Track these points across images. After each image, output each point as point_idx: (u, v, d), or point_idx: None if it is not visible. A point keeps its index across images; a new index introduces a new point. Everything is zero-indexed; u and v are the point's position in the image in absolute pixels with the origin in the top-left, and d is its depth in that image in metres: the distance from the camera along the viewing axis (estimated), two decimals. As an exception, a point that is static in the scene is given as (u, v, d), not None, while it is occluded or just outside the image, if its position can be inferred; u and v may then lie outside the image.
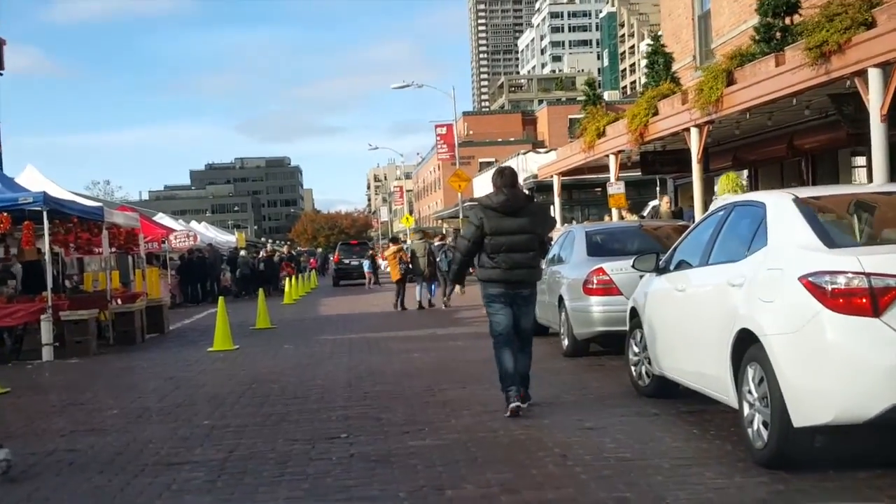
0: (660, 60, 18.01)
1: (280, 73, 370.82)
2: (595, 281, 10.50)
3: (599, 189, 46.11)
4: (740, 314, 5.50)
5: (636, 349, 8.16)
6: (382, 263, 40.94)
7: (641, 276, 9.75)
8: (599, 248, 11.35)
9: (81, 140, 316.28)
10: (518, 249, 7.46)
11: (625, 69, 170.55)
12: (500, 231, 7.41)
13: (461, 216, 43.82)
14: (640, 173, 22.25)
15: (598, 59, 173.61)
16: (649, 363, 7.80)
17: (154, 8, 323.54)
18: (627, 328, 8.46)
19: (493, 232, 7.41)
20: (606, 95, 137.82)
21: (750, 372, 5.41)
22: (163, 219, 36.73)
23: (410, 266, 22.66)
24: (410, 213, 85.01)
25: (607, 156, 19.29)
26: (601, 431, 6.70)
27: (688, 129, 14.69)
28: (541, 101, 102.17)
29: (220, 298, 15.19)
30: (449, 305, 21.86)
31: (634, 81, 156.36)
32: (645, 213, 21.27)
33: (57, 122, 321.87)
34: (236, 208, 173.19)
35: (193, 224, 43.14)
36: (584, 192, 45.46)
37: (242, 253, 40.57)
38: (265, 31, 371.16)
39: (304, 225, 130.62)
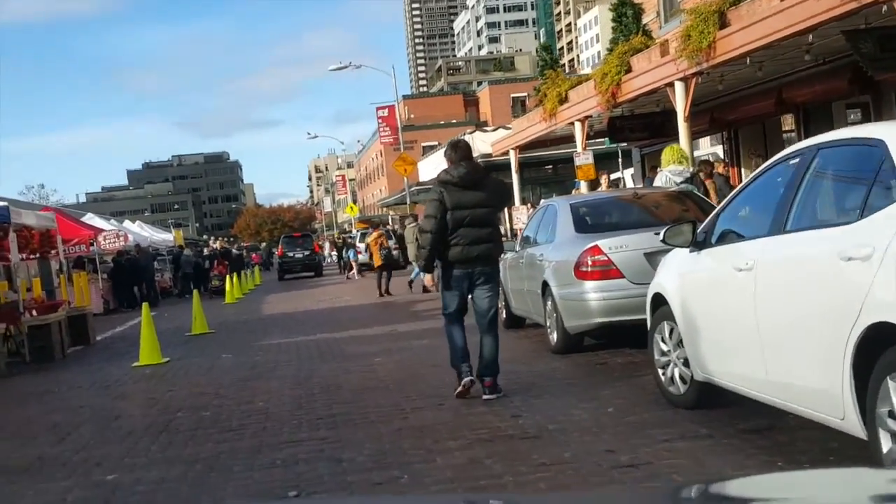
0: (628, 12, 16.32)
1: (216, 68, 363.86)
2: (590, 262, 8.71)
3: (550, 167, 44.81)
4: (871, 301, 3.72)
5: (664, 347, 6.39)
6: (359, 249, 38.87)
7: (649, 254, 8.02)
8: (589, 222, 9.57)
9: (13, 145, 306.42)
10: (478, 224, 7.22)
11: (562, 47, 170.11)
12: (460, 205, 7.14)
13: (408, 201, 41.86)
14: (599, 145, 20.70)
15: (536, 38, 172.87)
16: (685, 365, 6.05)
17: (84, 7, 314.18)
18: (648, 320, 6.69)
19: (454, 206, 7.14)
20: (568, 56, 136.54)
21: (892, 386, 3.65)
22: (92, 219, 34.18)
23: (393, 252, 21.39)
24: (354, 202, 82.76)
25: (571, 124, 17.56)
26: (646, 469, 4.90)
27: (671, 84, 13.00)
28: (480, 83, 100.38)
29: (144, 305, 13.10)
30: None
31: (573, 59, 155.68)
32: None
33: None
34: (176, 207, 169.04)
35: (127, 223, 40.58)
36: (535, 170, 43.82)
37: (186, 251, 38.84)
38: (197, 27, 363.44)
39: (247, 220, 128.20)
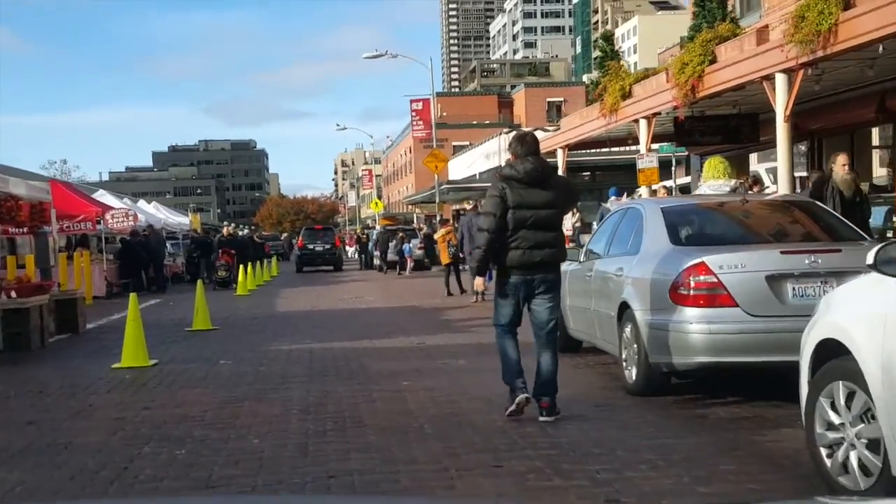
0: (713, -3, 14.28)
1: (249, 57, 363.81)
2: (692, 283, 6.71)
3: (588, 174, 42.69)
4: None
5: (834, 418, 4.42)
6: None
7: (772, 278, 6.06)
8: (687, 233, 7.59)
9: (42, 120, 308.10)
10: (542, 226, 6.60)
11: (597, 57, 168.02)
12: (523, 204, 6.54)
13: (437, 200, 39.92)
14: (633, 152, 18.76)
15: (573, 45, 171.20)
16: (872, 450, 4.07)
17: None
18: (805, 375, 4.71)
19: (516, 204, 6.54)
20: (585, 78, 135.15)
21: None
22: (103, 196, 32.51)
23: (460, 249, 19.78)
24: (379, 197, 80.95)
25: (635, 121, 15.54)
26: None
27: (769, 78, 10.97)
28: (514, 87, 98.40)
29: (132, 297, 11.15)
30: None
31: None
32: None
33: (17, 101, 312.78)
34: (199, 191, 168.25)
35: (142, 203, 38.94)
36: (571, 175, 41.62)
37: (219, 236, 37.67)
38: (234, 15, 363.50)
39: (269, 209, 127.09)
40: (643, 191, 15.70)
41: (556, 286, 6.81)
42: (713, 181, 10.00)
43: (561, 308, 9.96)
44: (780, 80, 10.69)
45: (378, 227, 50.04)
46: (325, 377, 9.27)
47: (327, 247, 40.04)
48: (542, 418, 6.56)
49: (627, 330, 7.56)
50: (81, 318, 16.05)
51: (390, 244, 35.74)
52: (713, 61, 12.44)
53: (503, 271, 6.70)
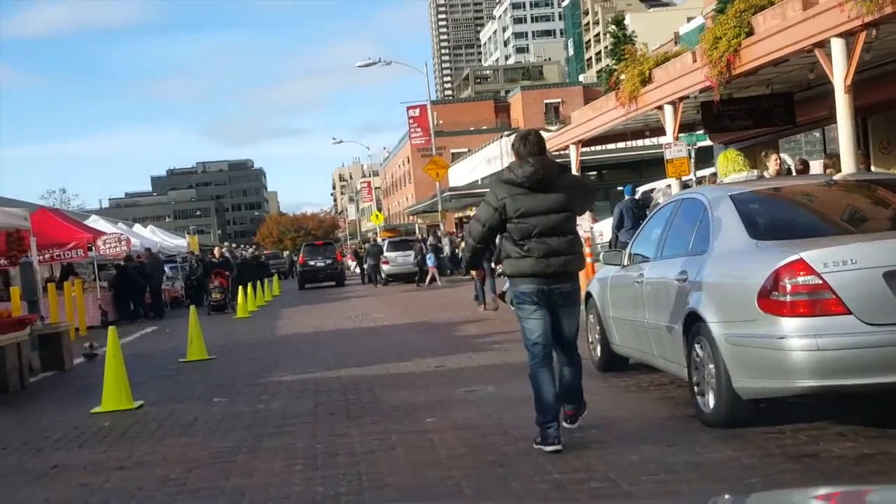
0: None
1: (242, 76, 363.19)
2: (789, 286, 5.33)
3: (595, 173, 41.32)
4: None
5: None
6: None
7: (892, 275, 4.72)
8: (770, 224, 6.23)
9: (41, 150, 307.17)
10: (554, 233, 5.98)
11: (590, 58, 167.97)
12: (529, 212, 5.94)
13: (440, 208, 38.62)
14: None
15: (565, 48, 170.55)
16: None
17: (112, 16, 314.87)
18: None
19: (520, 214, 5.94)
20: (582, 78, 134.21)
21: None
22: (96, 222, 31.27)
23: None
24: (379, 210, 79.64)
25: (659, 108, 14.21)
26: None
27: (821, 45, 9.63)
28: (508, 91, 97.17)
29: (111, 330, 9.75)
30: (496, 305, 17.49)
31: (601, 70, 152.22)
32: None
33: (12, 132, 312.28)
34: (199, 213, 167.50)
35: (138, 228, 37.79)
36: (582, 174, 40.22)
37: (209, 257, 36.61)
38: (224, 36, 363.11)
39: (270, 227, 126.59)
40: (672, 183, 14.35)
41: (574, 297, 6.23)
42: (735, 175, 8.82)
43: (602, 321, 8.68)
44: (837, 45, 9.34)
45: (380, 239, 48.78)
46: (334, 415, 7.91)
47: (329, 262, 39.09)
48: (566, 425, 6.23)
49: (699, 348, 6.20)
50: (67, 353, 14.73)
51: (403, 255, 34.53)
52: (750, 33, 11.10)
53: (515, 280, 6.13)
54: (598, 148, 40.47)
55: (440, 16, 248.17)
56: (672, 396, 7.32)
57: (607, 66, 15.38)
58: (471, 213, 24.96)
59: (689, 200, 7.10)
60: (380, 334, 15.63)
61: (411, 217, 70.64)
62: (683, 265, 6.55)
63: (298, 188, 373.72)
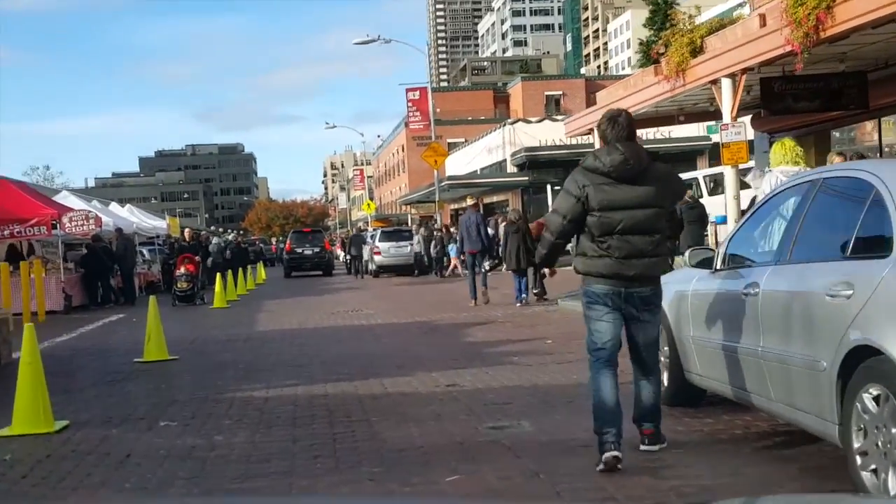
0: None
1: (238, 61, 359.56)
2: None
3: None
4: None
5: None
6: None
7: None
8: None
9: (28, 127, 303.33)
10: (639, 230, 5.34)
11: (588, 54, 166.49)
12: (613, 205, 5.29)
13: (437, 198, 36.43)
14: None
15: (563, 43, 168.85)
16: None
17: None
18: None
19: (602, 206, 5.30)
20: (584, 71, 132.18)
21: None
22: (66, 198, 28.94)
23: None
24: (371, 198, 77.41)
25: (714, 82, 12.08)
26: None
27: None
28: (506, 84, 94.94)
29: (28, 328, 7.50)
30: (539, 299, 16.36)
31: (600, 66, 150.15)
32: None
33: (5, 109, 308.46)
34: (186, 196, 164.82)
35: (114, 207, 35.45)
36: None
37: (215, 240, 34.39)
38: (223, 20, 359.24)
39: (258, 213, 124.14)
40: (727, 172, 12.21)
41: (655, 302, 5.59)
42: (786, 167, 8.15)
43: (675, 341, 6.58)
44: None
45: (371, 228, 46.63)
46: (316, 460, 5.76)
47: (317, 250, 37.18)
48: (643, 447, 5.53)
49: (869, 400, 4.09)
50: (5, 346, 12.52)
51: (429, 244, 32.35)
52: (846, -13, 9.03)
53: (589, 280, 5.50)
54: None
55: (438, 6, 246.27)
56: (792, 453, 5.20)
57: (647, 37, 13.77)
58: (469, 201, 22.75)
59: (843, 181, 4.95)
60: (373, 335, 13.47)
61: (404, 207, 68.49)
62: (843, 273, 4.41)
63: (290, 175, 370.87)
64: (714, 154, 37.12)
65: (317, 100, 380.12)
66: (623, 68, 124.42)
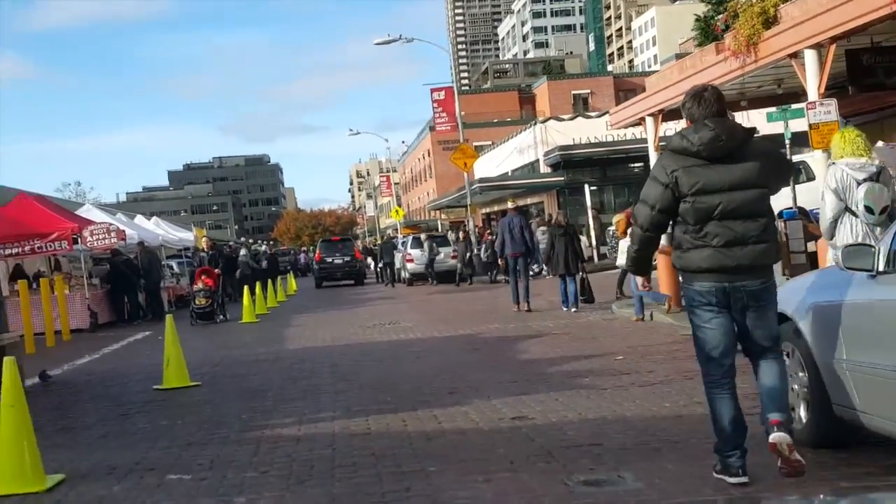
0: None
1: (260, 73, 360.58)
2: None
3: (641, 165, 37.56)
4: None
5: None
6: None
7: None
8: None
9: (59, 145, 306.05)
10: (740, 215, 4.80)
11: (612, 53, 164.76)
12: (708, 188, 4.79)
13: (468, 202, 35.09)
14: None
15: (586, 43, 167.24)
16: None
17: (132, 12, 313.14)
18: None
19: (695, 190, 4.81)
20: (611, 68, 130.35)
21: None
22: (89, 211, 27.92)
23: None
24: (399, 205, 76.32)
25: (793, 55, 10.64)
26: None
27: None
28: (528, 86, 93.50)
29: (7, 362, 6.28)
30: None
31: (624, 64, 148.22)
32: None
33: (33, 126, 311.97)
34: (215, 208, 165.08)
35: (140, 219, 34.46)
36: (616, 167, 36.54)
37: (243, 252, 33.46)
38: (244, 33, 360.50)
39: (287, 224, 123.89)
40: (817, 156, 10.78)
41: (768, 297, 4.86)
42: (851, 158, 7.27)
43: (819, 366, 5.18)
44: None
45: (401, 236, 45.39)
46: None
47: (347, 259, 36.06)
48: (774, 435, 4.60)
49: None
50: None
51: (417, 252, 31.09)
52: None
53: (688, 276, 4.94)
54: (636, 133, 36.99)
55: (457, 11, 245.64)
56: None
57: (704, 12, 12.75)
58: (510, 204, 21.49)
59: None
60: (415, 353, 12.13)
61: (433, 213, 67.24)
62: None
63: (316, 185, 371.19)
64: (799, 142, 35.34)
65: (339, 109, 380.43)
66: (649, 66, 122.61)
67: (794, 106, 12.95)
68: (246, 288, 20.94)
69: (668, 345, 10.88)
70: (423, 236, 32.90)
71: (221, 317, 20.02)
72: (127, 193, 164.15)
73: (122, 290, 22.48)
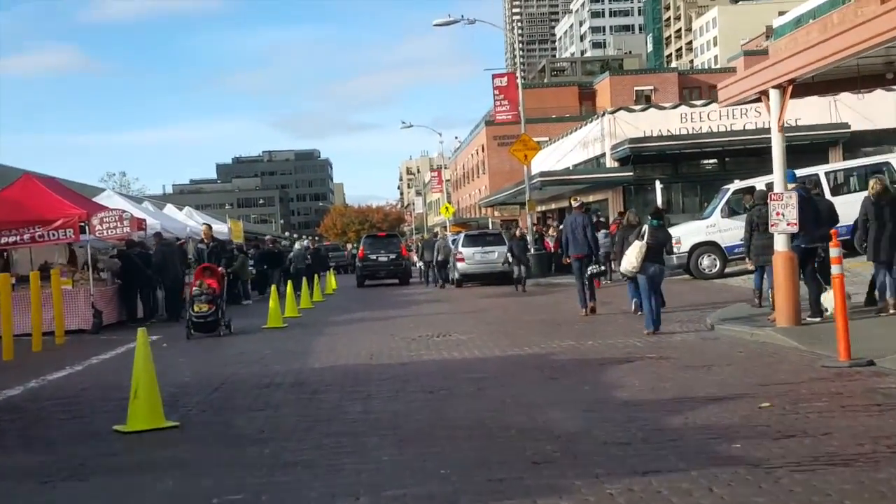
0: None
1: (316, 70, 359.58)
2: None
3: (715, 161, 34.19)
4: None
5: None
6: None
7: None
8: None
9: (108, 139, 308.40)
10: None
11: (670, 54, 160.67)
12: None
13: (527, 197, 32.04)
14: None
15: (645, 44, 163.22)
16: None
17: (191, 7, 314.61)
18: None
19: None
20: (676, 63, 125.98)
21: None
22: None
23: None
24: (449, 202, 73.38)
25: None
26: None
27: None
28: (590, 82, 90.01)
29: None
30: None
31: (688, 63, 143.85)
32: None
33: (90, 119, 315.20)
34: (261, 202, 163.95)
35: (170, 209, 32.05)
36: (689, 164, 33.25)
37: (297, 245, 32.33)
38: (299, 30, 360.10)
39: (334, 219, 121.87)
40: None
41: None
42: None
43: None
44: None
45: (449, 234, 42.51)
46: None
47: (392, 257, 33.39)
48: None
49: None
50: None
51: (482, 252, 28.17)
52: None
53: None
54: (674, 129, 33.21)
55: (515, 10, 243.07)
56: None
57: None
58: (573, 202, 18.46)
59: None
60: (474, 381, 9.17)
61: (484, 210, 64.27)
62: None
63: (366, 181, 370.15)
64: (850, 146, 31.98)
65: (392, 107, 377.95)
66: (710, 66, 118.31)
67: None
68: (273, 289, 18.20)
69: (818, 382, 7.97)
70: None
71: (225, 328, 15.74)
72: (173, 185, 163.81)
73: (137, 286, 19.89)
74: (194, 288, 15.34)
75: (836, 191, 21.01)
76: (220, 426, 7.43)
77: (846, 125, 30.75)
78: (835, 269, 9.52)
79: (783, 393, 7.57)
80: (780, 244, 11.93)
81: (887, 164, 21.57)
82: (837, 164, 26.43)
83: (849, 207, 14.32)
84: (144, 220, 21.55)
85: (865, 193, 12.59)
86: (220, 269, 15.97)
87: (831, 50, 10.50)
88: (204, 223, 23.23)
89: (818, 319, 11.88)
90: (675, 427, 6.49)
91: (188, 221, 29.78)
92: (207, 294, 14.89)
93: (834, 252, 9.65)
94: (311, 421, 7.36)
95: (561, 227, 20.90)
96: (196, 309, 15.05)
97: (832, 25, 10.95)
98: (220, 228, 32.65)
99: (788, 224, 11.73)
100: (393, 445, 6.30)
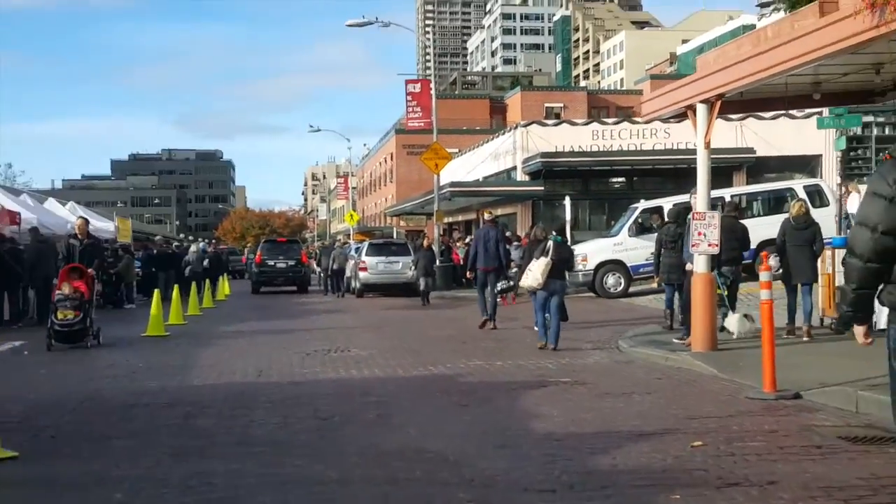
0: None
1: (224, 69, 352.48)
2: None
3: (623, 180, 34.02)
4: None
5: None
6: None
7: None
8: None
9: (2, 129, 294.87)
10: None
11: (577, 74, 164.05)
12: None
13: (436, 208, 31.13)
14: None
15: (554, 63, 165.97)
16: None
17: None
18: None
19: None
20: (584, 83, 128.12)
21: None
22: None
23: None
24: (354, 210, 72.09)
25: None
26: None
27: None
28: (500, 98, 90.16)
29: None
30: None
31: (596, 84, 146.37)
32: None
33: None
34: (157, 201, 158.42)
35: (51, 203, 29.89)
36: (598, 181, 32.93)
37: (193, 247, 30.39)
38: (208, 28, 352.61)
39: (233, 222, 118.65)
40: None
41: None
42: None
43: None
44: None
45: (351, 242, 41.34)
46: None
47: (291, 263, 32.09)
48: None
49: None
50: None
51: (386, 261, 27.11)
52: None
53: None
54: (633, 143, 33.26)
55: (427, 22, 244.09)
56: None
57: None
58: (486, 215, 17.56)
59: None
60: (376, 407, 8.10)
61: (389, 220, 63.28)
62: None
63: (270, 186, 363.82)
64: (754, 171, 32.24)
65: (301, 112, 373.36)
66: (616, 87, 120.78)
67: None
68: (156, 293, 16.73)
69: (748, 417, 7.36)
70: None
71: (93, 339, 13.61)
72: (63, 180, 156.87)
73: (4, 285, 18.06)
74: (58, 292, 13.33)
75: (739, 215, 20.90)
76: (66, 459, 6.18)
77: (752, 150, 30.96)
78: (764, 295, 8.83)
79: (714, 429, 6.83)
80: (700, 265, 11.31)
81: (790, 189, 21.61)
82: (742, 187, 26.48)
83: (752, 232, 14.04)
84: (18, 214, 19.78)
85: (775, 217, 12.28)
86: (90, 270, 13.90)
87: (765, 64, 9.86)
88: (80, 216, 21.28)
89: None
90: (604, 470, 5.61)
91: (71, 217, 27.78)
92: (73, 299, 12.95)
93: (764, 276, 8.98)
94: (176, 456, 6.17)
95: (468, 239, 20.14)
96: (60, 316, 12.97)
97: (766, 39, 10.28)
98: (107, 227, 30.67)
99: (709, 245, 11.13)
100: (271, 491, 5.20)
